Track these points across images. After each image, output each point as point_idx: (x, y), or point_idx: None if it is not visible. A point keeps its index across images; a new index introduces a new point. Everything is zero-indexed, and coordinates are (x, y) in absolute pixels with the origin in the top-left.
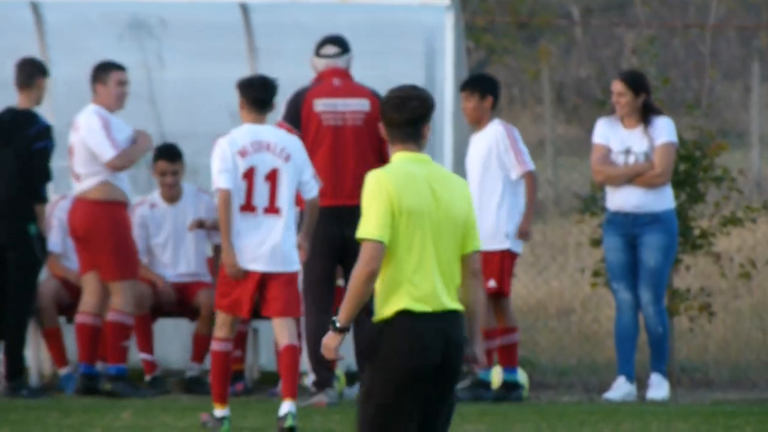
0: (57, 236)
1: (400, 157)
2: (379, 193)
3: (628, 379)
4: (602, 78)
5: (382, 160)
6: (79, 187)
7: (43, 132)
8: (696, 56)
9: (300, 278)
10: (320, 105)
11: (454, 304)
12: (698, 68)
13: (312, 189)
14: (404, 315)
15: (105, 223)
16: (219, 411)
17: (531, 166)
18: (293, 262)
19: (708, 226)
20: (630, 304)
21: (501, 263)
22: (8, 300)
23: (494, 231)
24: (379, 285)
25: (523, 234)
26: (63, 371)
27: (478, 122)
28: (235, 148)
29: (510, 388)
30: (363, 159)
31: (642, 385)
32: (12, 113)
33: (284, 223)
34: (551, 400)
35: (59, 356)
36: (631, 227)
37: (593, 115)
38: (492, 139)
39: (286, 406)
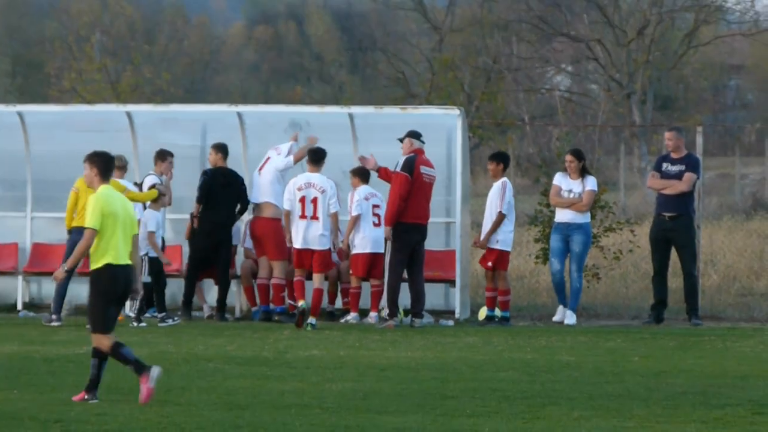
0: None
1: None
2: None
3: (564, 307)
4: (540, 153)
5: None
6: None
7: (243, 181)
8: (590, 142)
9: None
10: (423, 168)
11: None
12: (592, 148)
13: (333, 207)
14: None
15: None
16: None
17: (502, 209)
18: (324, 245)
19: (597, 232)
20: (561, 271)
21: (499, 254)
22: (221, 271)
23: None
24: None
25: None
26: (253, 309)
27: (494, 177)
28: (295, 186)
29: (490, 319)
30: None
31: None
32: (223, 171)
33: (321, 225)
34: (516, 325)
35: (251, 300)
36: (566, 230)
37: (534, 172)
38: (498, 188)
39: (310, 319)
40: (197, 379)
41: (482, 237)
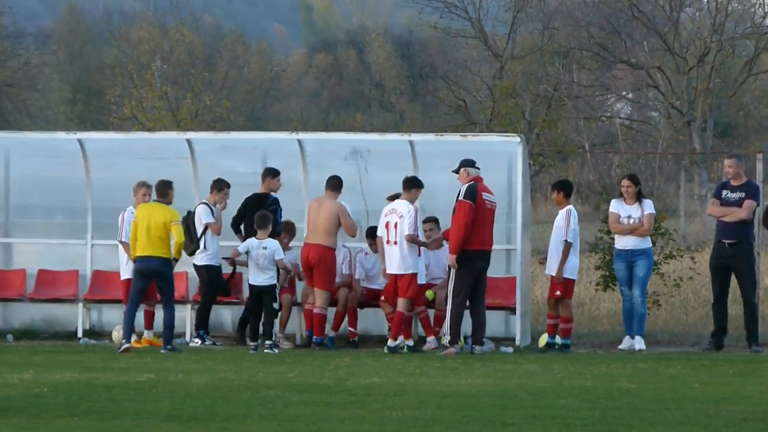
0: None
1: None
2: None
3: (630, 338)
4: (601, 181)
5: None
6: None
7: (274, 202)
8: (650, 169)
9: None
10: (485, 195)
11: None
12: (652, 175)
13: (408, 230)
14: None
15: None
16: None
17: (568, 238)
18: (408, 268)
19: (657, 258)
20: (629, 297)
21: (565, 283)
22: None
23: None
24: None
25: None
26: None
27: (559, 204)
28: (383, 213)
29: (551, 346)
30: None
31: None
32: (257, 195)
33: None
34: (576, 352)
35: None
36: (630, 257)
37: (594, 200)
38: (562, 216)
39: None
40: (258, 406)
41: (548, 266)
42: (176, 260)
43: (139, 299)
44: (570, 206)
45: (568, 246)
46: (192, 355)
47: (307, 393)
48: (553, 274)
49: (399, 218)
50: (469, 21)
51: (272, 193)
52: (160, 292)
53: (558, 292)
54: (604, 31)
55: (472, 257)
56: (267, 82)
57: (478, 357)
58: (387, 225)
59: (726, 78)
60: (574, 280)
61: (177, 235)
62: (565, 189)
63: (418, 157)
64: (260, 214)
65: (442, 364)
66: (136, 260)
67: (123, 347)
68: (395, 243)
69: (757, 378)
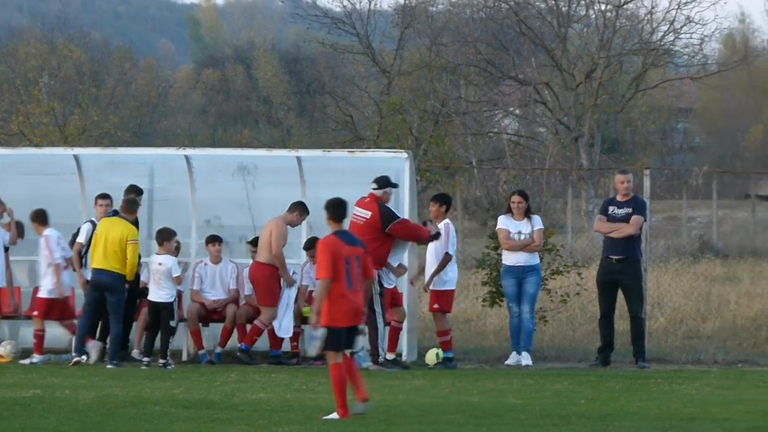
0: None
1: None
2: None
3: (517, 353)
4: (488, 196)
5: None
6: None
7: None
8: (537, 185)
9: None
10: (355, 210)
11: None
12: (539, 191)
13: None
14: None
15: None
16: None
17: (449, 250)
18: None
19: (544, 275)
20: (516, 313)
21: (446, 295)
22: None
23: (437, 278)
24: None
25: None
26: (200, 352)
27: (437, 218)
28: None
29: (446, 361)
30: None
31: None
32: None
33: None
34: (462, 368)
35: (198, 343)
36: (520, 273)
37: (481, 216)
38: (443, 229)
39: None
40: (144, 422)
41: (427, 279)
42: (128, 281)
43: (91, 311)
44: (447, 220)
45: (448, 258)
46: (78, 371)
47: (193, 409)
48: (438, 288)
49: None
50: (356, 36)
51: None
52: (108, 305)
53: (436, 305)
54: (491, 47)
55: None
56: (154, 98)
57: (364, 372)
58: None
59: (613, 94)
60: (453, 291)
61: (131, 255)
62: (446, 202)
63: (306, 173)
64: (160, 229)
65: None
66: (92, 272)
67: (74, 360)
68: None
69: (644, 394)
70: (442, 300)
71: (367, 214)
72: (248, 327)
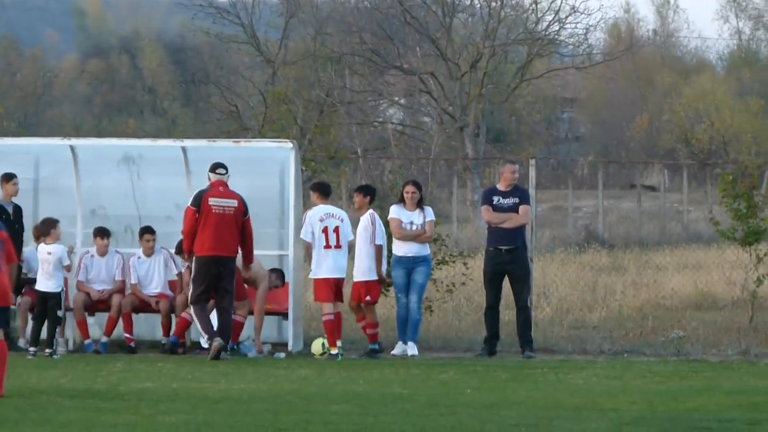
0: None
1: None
2: None
3: (403, 343)
4: (374, 186)
5: (242, 234)
6: None
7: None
8: (423, 175)
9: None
10: (212, 201)
11: None
12: (425, 181)
13: (350, 236)
14: None
15: None
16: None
17: (378, 241)
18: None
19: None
20: (404, 304)
21: (375, 286)
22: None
23: (368, 269)
24: None
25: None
26: (85, 341)
27: (360, 209)
28: (316, 218)
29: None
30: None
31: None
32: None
33: (343, 252)
34: (349, 358)
35: (84, 333)
36: (411, 263)
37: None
38: (368, 220)
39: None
40: (30, 411)
41: (357, 271)
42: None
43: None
44: (371, 210)
45: (380, 248)
46: None
47: (79, 398)
48: (370, 279)
49: (340, 222)
50: (241, 26)
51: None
52: None
53: (369, 297)
54: (376, 36)
55: (203, 263)
56: (39, 88)
57: (251, 362)
58: (326, 230)
59: (499, 84)
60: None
61: None
62: (369, 193)
63: (191, 163)
64: (44, 220)
65: (214, 369)
66: None
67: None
68: (338, 247)
69: (530, 383)
70: (374, 291)
71: (234, 203)
72: (133, 316)
